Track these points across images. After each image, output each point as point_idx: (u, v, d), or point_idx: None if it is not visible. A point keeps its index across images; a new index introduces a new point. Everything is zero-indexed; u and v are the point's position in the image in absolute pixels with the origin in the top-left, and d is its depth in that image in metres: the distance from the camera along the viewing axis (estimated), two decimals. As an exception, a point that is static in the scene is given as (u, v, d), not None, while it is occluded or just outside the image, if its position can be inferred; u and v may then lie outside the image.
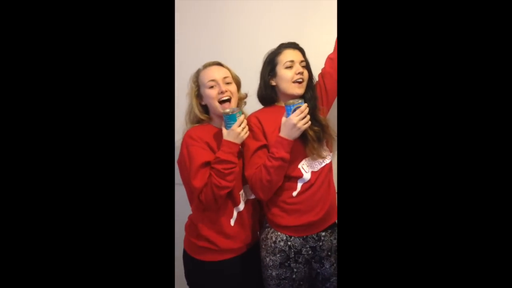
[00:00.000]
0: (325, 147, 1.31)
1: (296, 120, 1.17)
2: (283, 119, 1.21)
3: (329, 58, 1.35)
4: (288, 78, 1.27)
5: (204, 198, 1.21)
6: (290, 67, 1.27)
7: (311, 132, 1.25)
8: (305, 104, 1.19)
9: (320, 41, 1.58)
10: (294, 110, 1.18)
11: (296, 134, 1.19)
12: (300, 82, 1.27)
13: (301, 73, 1.27)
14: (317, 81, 1.40)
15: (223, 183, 1.19)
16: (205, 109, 1.35)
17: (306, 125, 1.18)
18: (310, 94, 1.31)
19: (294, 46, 1.32)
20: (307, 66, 1.32)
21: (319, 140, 1.27)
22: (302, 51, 1.32)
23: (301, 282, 1.29)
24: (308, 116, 1.19)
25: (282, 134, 1.21)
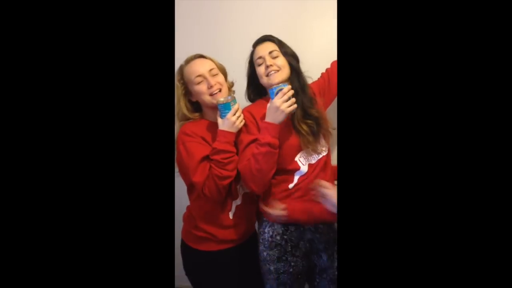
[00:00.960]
0: (321, 142, 1.28)
1: (279, 102, 1.14)
2: (268, 104, 1.17)
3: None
4: (261, 74, 1.24)
5: (208, 191, 1.20)
6: (261, 64, 1.24)
7: (304, 126, 1.22)
8: (288, 86, 1.15)
9: (318, 35, 1.58)
10: (277, 93, 1.15)
11: (280, 117, 1.15)
12: (273, 73, 1.22)
13: (271, 65, 1.22)
14: (322, 73, 1.40)
15: (224, 173, 1.18)
16: (195, 105, 1.32)
17: (291, 108, 1.15)
18: (297, 81, 1.26)
19: (263, 39, 1.28)
20: (285, 54, 1.26)
21: (314, 134, 1.24)
22: (273, 41, 1.27)
23: (299, 276, 1.30)
24: (293, 99, 1.15)
25: (267, 119, 1.17)
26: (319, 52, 1.50)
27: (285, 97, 1.14)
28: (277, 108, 1.14)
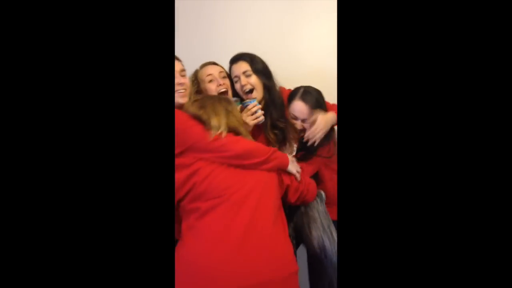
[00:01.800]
0: (287, 148, 1.40)
1: (244, 116, 1.30)
2: None
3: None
4: (238, 90, 1.41)
5: None
6: (237, 81, 1.40)
7: (271, 135, 1.39)
8: (254, 102, 1.32)
9: (318, 36, 1.59)
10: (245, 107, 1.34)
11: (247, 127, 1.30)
12: (249, 91, 1.39)
13: (245, 84, 1.38)
14: None
15: None
16: None
17: (255, 121, 1.31)
18: (267, 96, 1.40)
19: (238, 58, 1.41)
20: (256, 72, 1.39)
21: (279, 141, 1.39)
22: (246, 60, 1.40)
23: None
24: (259, 112, 1.32)
25: None
26: (319, 53, 1.50)
27: (249, 112, 1.31)
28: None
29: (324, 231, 1.24)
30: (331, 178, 1.38)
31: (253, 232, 1.00)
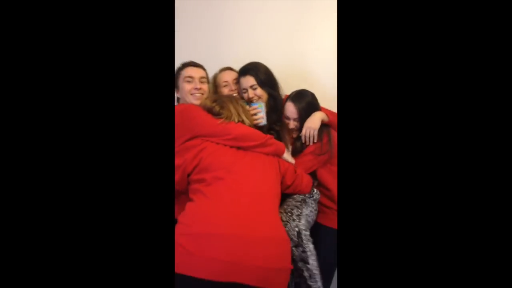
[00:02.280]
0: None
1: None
2: None
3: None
4: (246, 99, 1.56)
5: None
6: (245, 93, 1.55)
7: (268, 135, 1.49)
8: (255, 106, 1.48)
9: (319, 37, 1.59)
10: None
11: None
12: (253, 100, 1.54)
13: (252, 97, 1.53)
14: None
15: None
16: None
17: (256, 122, 1.45)
18: (272, 102, 1.56)
19: (245, 72, 1.54)
20: (261, 85, 1.54)
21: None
22: (252, 74, 1.54)
23: None
24: (260, 115, 1.47)
25: None
26: (319, 53, 1.50)
27: (252, 112, 1.46)
28: None
29: (285, 212, 1.36)
30: (332, 182, 1.48)
31: (256, 199, 1.16)
